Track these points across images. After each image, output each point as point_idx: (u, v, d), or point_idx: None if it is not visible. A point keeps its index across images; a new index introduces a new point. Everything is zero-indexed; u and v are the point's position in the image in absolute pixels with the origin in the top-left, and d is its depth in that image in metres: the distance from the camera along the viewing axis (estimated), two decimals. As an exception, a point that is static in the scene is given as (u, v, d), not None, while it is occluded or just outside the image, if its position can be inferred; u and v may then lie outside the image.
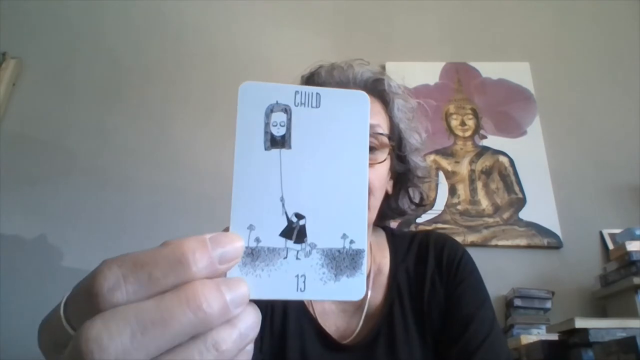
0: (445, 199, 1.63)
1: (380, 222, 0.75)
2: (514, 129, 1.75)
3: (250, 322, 0.21)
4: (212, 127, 1.74)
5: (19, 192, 1.63)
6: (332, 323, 0.64)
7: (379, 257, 0.70)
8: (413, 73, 1.83)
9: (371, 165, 0.62)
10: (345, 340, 0.62)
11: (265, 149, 0.24)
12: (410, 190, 0.73)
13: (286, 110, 0.25)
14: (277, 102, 0.25)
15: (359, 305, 0.65)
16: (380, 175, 0.64)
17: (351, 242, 0.24)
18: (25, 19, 1.94)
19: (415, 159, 0.71)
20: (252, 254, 0.23)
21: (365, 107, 0.25)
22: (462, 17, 1.96)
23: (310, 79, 0.71)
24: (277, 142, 0.24)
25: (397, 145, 0.69)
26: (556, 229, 1.55)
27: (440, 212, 1.61)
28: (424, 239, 0.70)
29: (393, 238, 0.72)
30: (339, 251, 0.24)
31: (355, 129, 0.25)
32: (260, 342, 0.60)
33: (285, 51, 1.86)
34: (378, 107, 0.68)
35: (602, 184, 1.63)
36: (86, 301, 0.20)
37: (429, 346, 0.61)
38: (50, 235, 1.58)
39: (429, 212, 1.60)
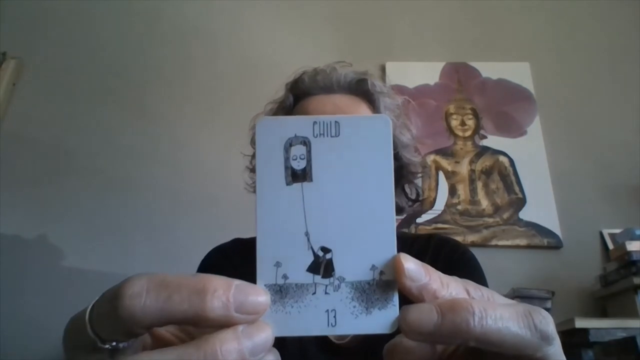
0: (445, 199, 1.63)
1: None
2: (514, 129, 1.75)
3: None
4: (213, 127, 1.74)
5: (19, 192, 1.63)
6: None
7: None
8: (413, 73, 1.83)
9: None
10: (343, 341, 0.62)
11: (287, 184, 0.24)
12: (406, 187, 0.74)
13: (305, 142, 0.24)
14: (295, 135, 0.24)
15: None
16: None
17: (381, 273, 0.23)
18: (25, 19, 1.94)
19: (408, 155, 0.72)
20: (281, 291, 0.23)
21: (387, 131, 0.25)
22: (462, 17, 1.96)
23: (295, 86, 0.71)
24: (298, 175, 0.24)
25: None
26: (556, 229, 1.55)
27: (440, 212, 1.61)
28: (426, 240, 0.70)
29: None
30: (368, 283, 0.23)
31: (377, 155, 0.24)
32: None
33: (285, 51, 1.86)
34: (364, 108, 0.69)
35: (602, 184, 1.63)
36: (109, 303, 0.21)
37: None
38: (50, 235, 1.58)
39: (429, 212, 1.60)
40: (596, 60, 1.86)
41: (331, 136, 0.24)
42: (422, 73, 1.84)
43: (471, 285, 0.24)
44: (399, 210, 0.75)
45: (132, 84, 1.84)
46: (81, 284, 1.47)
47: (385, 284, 0.23)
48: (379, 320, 0.23)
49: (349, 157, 0.24)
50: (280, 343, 0.22)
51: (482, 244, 1.54)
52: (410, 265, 0.23)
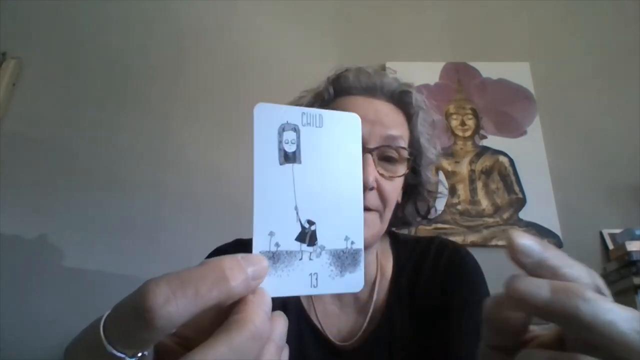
0: (445, 199, 1.63)
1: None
2: (514, 129, 1.75)
3: (282, 329, 0.25)
4: (213, 126, 1.74)
5: (19, 192, 1.63)
6: (334, 325, 0.64)
7: (382, 261, 0.69)
8: (413, 73, 1.80)
9: (391, 178, 0.62)
10: (345, 342, 0.62)
11: (280, 164, 0.27)
12: (418, 203, 0.73)
13: (295, 129, 0.28)
14: (287, 122, 0.28)
15: (361, 307, 0.65)
16: (397, 188, 0.64)
17: (352, 242, 0.28)
18: (25, 19, 1.94)
19: (428, 173, 0.71)
20: (274, 257, 0.26)
21: (357, 127, 0.30)
22: (462, 17, 1.96)
23: (337, 81, 0.69)
24: (290, 157, 0.27)
25: (414, 158, 0.68)
26: (556, 229, 1.55)
27: (440, 212, 1.61)
28: (427, 244, 0.70)
29: (397, 242, 0.72)
30: (342, 251, 0.28)
31: (350, 146, 0.29)
32: None
33: (286, 51, 1.86)
34: (401, 119, 0.67)
35: (602, 184, 1.63)
36: (135, 318, 0.21)
37: (426, 350, 0.61)
38: (50, 235, 1.58)
39: (429, 212, 1.60)
40: (596, 60, 1.86)
41: (316, 126, 0.28)
42: (422, 73, 1.84)
43: (598, 278, 0.24)
44: (405, 222, 0.74)
45: (133, 84, 1.84)
46: (81, 284, 1.47)
47: (355, 252, 0.28)
48: (350, 281, 0.28)
49: (328, 145, 0.29)
50: None
51: (482, 244, 1.54)
52: (525, 241, 0.23)
